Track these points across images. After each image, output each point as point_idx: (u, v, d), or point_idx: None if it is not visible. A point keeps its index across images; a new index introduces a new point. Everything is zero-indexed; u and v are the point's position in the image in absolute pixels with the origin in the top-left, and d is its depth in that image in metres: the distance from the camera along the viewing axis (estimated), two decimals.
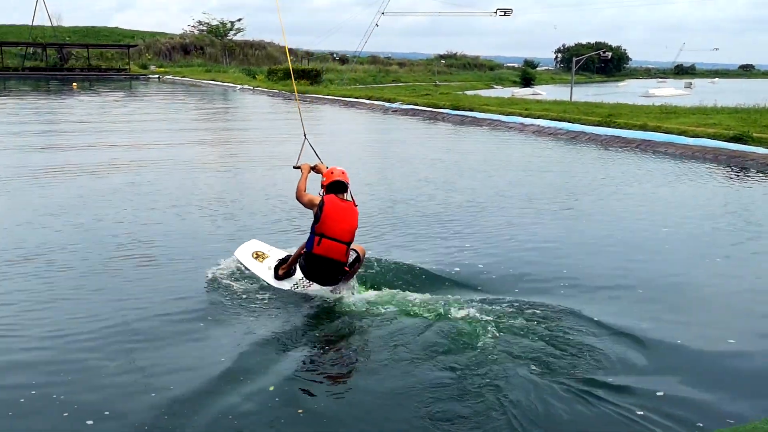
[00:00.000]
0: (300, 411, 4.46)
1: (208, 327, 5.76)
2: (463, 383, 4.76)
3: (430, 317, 5.84)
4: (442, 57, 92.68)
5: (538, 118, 24.71)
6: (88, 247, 7.98)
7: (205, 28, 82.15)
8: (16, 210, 10.04)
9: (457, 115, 27.86)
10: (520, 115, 25.88)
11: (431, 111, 29.64)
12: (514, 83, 73.67)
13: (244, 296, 6.44)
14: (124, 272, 7.15)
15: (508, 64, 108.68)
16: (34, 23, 64.86)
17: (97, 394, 4.61)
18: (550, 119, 24.13)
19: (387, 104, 32.88)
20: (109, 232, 8.72)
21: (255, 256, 7.18)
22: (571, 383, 4.77)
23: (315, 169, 6.63)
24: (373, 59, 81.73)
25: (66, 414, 4.36)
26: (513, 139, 21.35)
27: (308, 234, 6.36)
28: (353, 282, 6.54)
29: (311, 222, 6.32)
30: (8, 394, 4.59)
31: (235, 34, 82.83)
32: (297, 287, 6.55)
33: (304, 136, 7.04)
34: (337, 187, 6.35)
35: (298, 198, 6.46)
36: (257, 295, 6.47)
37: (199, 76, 58.84)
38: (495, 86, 67.68)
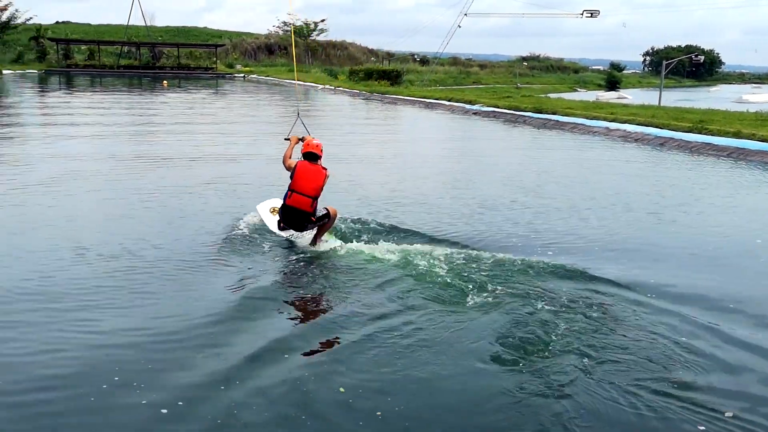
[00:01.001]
0: (378, 414, 4.40)
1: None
2: (533, 384, 4.71)
3: (500, 313, 5.86)
4: (524, 59, 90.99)
5: (625, 122, 23.84)
6: (174, 242, 8.09)
7: (289, 29, 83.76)
8: (108, 203, 10.42)
9: (539, 118, 27.27)
10: (605, 119, 25.07)
11: (512, 113, 29.12)
12: (599, 86, 71.59)
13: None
14: (205, 270, 7.14)
15: (593, 67, 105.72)
16: (129, 23, 67.79)
17: (175, 385, 4.66)
18: (638, 124, 23.25)
19: (468, 106, 32.56)
20: (196, 227, 8.79)
21: (272, 210, 8.55)
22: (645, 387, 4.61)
23: (303, 140, 8.20)
24: (454, 60, 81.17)
25: (144, 402, 4.44)
26: (599, 144, 20.69)
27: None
28: (327, 238, 7.96)
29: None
30: (89, 389, 4.62)
31: (318, 35, 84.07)
32: (292, 236, 8.07)
33: (298, 114, 8.91)
34: (310, 156, 7.95)
35: (283, 162, 8.08)
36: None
37: (282, 76, 59.93)
38: (578, 89, 66.09)
